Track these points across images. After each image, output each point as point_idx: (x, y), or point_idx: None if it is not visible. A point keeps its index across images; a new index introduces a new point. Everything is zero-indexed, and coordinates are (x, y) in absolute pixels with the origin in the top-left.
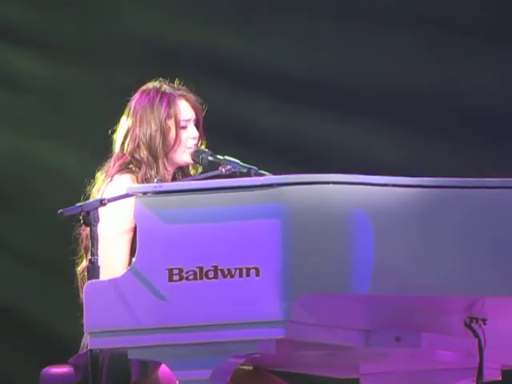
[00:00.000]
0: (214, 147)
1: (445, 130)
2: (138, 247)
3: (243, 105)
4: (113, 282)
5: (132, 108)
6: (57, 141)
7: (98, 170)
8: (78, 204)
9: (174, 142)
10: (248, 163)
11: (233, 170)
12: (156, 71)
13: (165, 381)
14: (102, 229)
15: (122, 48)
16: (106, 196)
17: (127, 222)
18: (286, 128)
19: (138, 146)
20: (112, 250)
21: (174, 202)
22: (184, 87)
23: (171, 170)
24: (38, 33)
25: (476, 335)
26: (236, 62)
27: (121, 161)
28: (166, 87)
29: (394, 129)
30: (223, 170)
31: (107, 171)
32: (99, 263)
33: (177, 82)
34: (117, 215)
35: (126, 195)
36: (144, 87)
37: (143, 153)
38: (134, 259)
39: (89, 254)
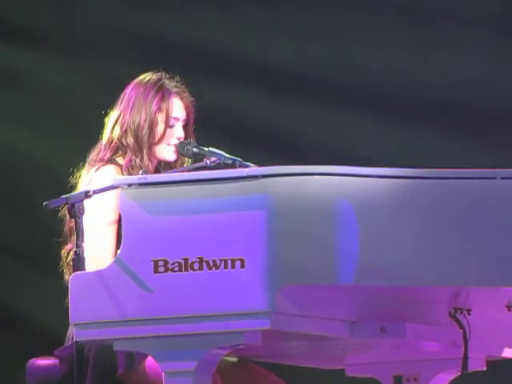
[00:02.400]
0: (198, 139)
1: (429, 120)
2: (123, 239)
3: (229, 96)
4: (98, 273)
5: (127, 94)
6: (44, 133)
7: (84, 160)
8: (64, 196)
9: (159, 137)
10: (233, 155)
11: (217, 161)
12: (144, 63)
13: (151, 372)
14: (87, 220)
15: (112, 40)
16: (91, 186)
17: (112, 214)
18: (271, 120)
19: (126, 132)
20: (97, 241)
21: (159, 194)
22: (182, 86)
23: (154, 162)
24: (26, 23)
25: (461, 326)
26: (222, 54)
27: (108, 149)
28: (164, 81)
29: (381, 120)
30: (208, 161)
31: (92, 160)
32: (85, 254)
33: (177, 78)
34: (102, 206)
35: (111, 187)
36: (143, 76)
37: (130, 139)
38: (118, 251)
39: (74, 244)
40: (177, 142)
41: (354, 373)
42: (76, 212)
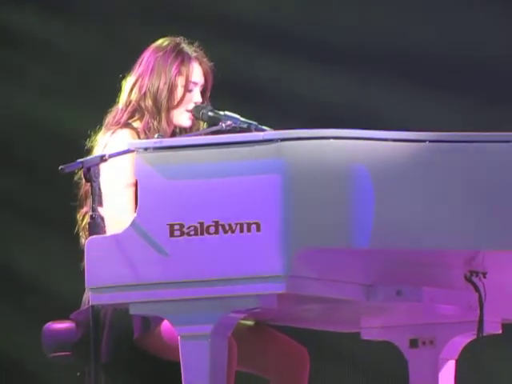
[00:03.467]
0: (214, 103)
1: (446, 85)
2: (138, 203)
3: (244, 61)
4: (114, 237)
5: (145, 58)
6: (58, 98)
7: (99, 123)
8: (79, 160)
9: (178, 101)
10: (248, 119)
11: (233, 125)
12: (155, 27)
13: (167, 336)
14: (105, 183)
15: (124, 4)
16: (107, 149)
17: (130, 176)
18: (288, 84)
19: (145, 94)
20: (117, 203)
21: (175, 158)
22: (201, 51)
23: (170, 127)
24: None
25: (476, 289)
26: (236, 18)
27: (125, 111)
28: (183, 46)
29: (394, 84)
30: (223, 125)
31: (109, 123)
32: (106, 218)
33: (196, 44)
34: (119, 169)
35: (127, 151)
36: (161, 40)
37: (148, 102)
38: (135, 215)
39: (89, 208)
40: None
41: (369, 336)
42: (91, 176)
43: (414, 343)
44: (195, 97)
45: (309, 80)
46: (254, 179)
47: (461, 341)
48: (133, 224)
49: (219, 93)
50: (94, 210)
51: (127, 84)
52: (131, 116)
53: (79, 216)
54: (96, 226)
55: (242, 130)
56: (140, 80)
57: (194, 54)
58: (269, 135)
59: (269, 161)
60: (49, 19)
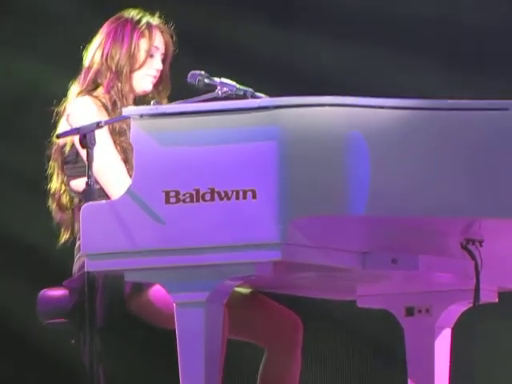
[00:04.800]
0: (209, 71)
1: (444, 52)
2: (134, 170)
3: (239, 28)
4: (110, 204)
5: (107, 24)
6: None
7: (69, 88)
8: (75, 127)
9: (141, 63)
10: (244, 86)
11: (229, 92)
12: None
13: (159, 296)
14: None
15: None
16: (71, 117)
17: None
18: (283, 51)
19: (107, 57)
20: (112, 170)
21: (171, 125)
22: (162, 21)
23: (132, 95)
24: None
25: (473, 257)
26: None
27: (88, 75)
28: (144, 14)
29: (391, 52)
30: (219, 92)
31: (75, 89)
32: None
33: (157, 15)
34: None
35: (123, 117)
36: (123, 11)
37: (111, 64)
38: (130, 181)
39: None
40: (155, 73)
41: (365, 304)
42: (87, 142)
43: (409, 311)
44: (156, 63)
45: (307, 49)
46: (249, 146)
47: (457, 309)
48: (128, 191)
49: (214, 59)
50: (89, 176)
51: (90, 49)
52: (94, 80)
53: (51, 188)
54: (92, 192)
55: (238, 97)
56: (102, 43)
57: (155, 22)
58: (265, 102)
59: (265, 128)
60: None
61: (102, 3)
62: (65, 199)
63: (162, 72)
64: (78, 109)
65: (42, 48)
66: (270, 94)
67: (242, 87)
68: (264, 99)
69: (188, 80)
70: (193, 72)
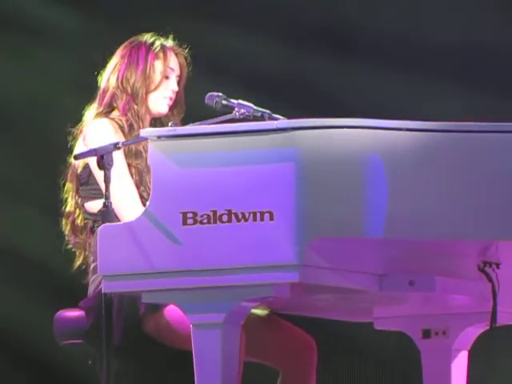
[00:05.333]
0: (226, 91)
1: (458, 77)
2: (151, 191)
3: (257, 50)
4: (127, 225)
5: (122, 48)
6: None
7: (84, 111)
8: (92, 148)
9: (156, 85)
10: (262, 107)
11: (246, 113)
12: (158, 18)
13: (175, 317)
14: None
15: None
16: (87, 138)
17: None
18: (300, 74)
19: (123, 80)
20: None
21: (189, 146)
22: (176, 43)
23: (149, 115)
24: None
25: (490, 279)
26: (248, 7)
27: (103, 99)
28: (159, 38)
29: (407, 75)
30: (237, 113)
31: (91, 112)
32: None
33: (171, 37)
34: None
35: (141, 139)
36: (138, 35)
37: (126, 87)
38: (147, 203)
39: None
40: (171, 94)
41: (382, 326)
42: (105, 163)
43: (426, 333)
44: (171, 84)
45: (320, 71)
46: (267, 168)
47: (474, 331)
48: (146, 212)
49: (232, 82)
50: (107, 197)
51: (105, 72)
52: (110, 103)
53: (65, 218)
54: (109, 213)
55: (255, 119)
56: (117, 68)
57: (169, 45)
58: (282, 124)
59: (282, 150)
60: (58, 9)
61: (110, 27)
62: (79, 222)
63: (177, 94)
64: (96, 130)
65: (54, 67)
66: (288, 116)
67: (259, 109)
68: (281, 121)
69: (206, 101)
70: (210, 93)
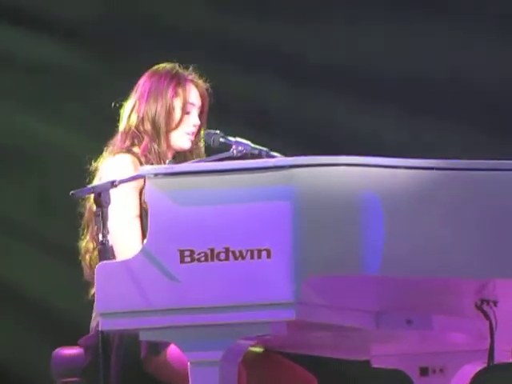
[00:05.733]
0: (222, 129)
1: (454, 115)
2: (149, 228)
3: (254, 88)
4: (125, 263)
5: (142, 83)
6: (66, 122)
7: (105, 147)
8: (90, 186)
9: (177, 123)
10: (259, 145)
11: (244, 151)
12: (162, 55)
13: (174, 362)
14: (112, 215)
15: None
16: (108, 174)
17: (135, 208)
18: (297, 111)
19: (143, 119)
20: (125, 233)
21: (186, 184)
22: (196, 75)
23: (170, 153)
24: (46, 15)
25: (487, 317)
26: (247, 44)
27: (126, 137)
28: (178, 69)
29: (403, 113)
30: (234, 151)
31: (110, 149)
32: (111, 245)
33: (190, 68)
34: (124, 201)
35: (138, 176)
36: (156, 66)
37: (147, 126)
38: (145, 240)
39: (97, 235)
40: (193, 129)
41: (379, 364)
42: (102, 201)
43: (424, 371)
44: (193, 119)
45: (320, 106)
46: (264, 206)
47: (471, 369)
48: (143, 250)
49: (229, 118)
50: (104, 235)
51: (125, 110)
52: (132, 142)
53: (83, 245)
54: (106, 251)
55: (252, 156)
56: (137, 105)
57: (190, 77)
58: (280, 162)
59: (280, 187)
60: (59, 45)
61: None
62: (95, 256)
63: (200, 126)
64: (117, 165)
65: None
66: (285, 154)
67: (256, 146)
68: (279, 159)
69: (204, 139)
70: (208, 131)
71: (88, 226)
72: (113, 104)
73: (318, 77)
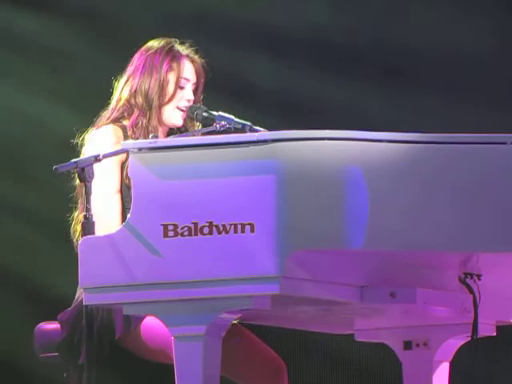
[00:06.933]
0: (208, 104)
1: (441, 88)
2: (132, 203)
3: (239, 62)
4: (108, 238)
5: (137, 58)
6: (54, 99)
7: (95, 121)
8: (73, 160)
9: (170, 97)
10: (243, 119)
11: (227, 125)
12: (155, 30)
13: (147, 334)
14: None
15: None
16: (92, 144)
17: (116, 183)
18: (281, 85)
19: (135, 92)
20: (105, 208)
21: (169, 158)
22: (193, 49)
23: (162, 129)
24: None
25: (471, 291)
26: (234, 20)
27: (116, 109)
28: (174, 44)
29: (388, 86)
30: (218, 125)
31: (96, 121)
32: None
33: (187, 44)
34: (105, 175)
35: (121, 151)
36: (152, 41)
37: (139, 99)
38: (128, 215)
39: (83, 209)
40: (186, 104)
41: (363, 338)
42: (86, 176)
43: (407, 345)
44: (187, 94)
45: (306, 82)
46: (247, 180)
47: (455, 342)
48: (126, 224)
49: (214, 93)
50: (87, 210)
51: (119, 84)
52: (121, 114)
53: (71, 219)
54: (90, 226)
55: (236, 131)
56: (131, 78)
57: (186, 52)
58: (263, 136)
59: (263, 161)
60: (44, 20)
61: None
62: None
63: (194, 102)
64: (98, 137)
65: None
66: (269, 128)
67: (240, 120)
68: (262, 133)
69: (186, 113)
70: (191, 105)
71: (78, 198)
72: (113, 78)
73: (304, 52)
